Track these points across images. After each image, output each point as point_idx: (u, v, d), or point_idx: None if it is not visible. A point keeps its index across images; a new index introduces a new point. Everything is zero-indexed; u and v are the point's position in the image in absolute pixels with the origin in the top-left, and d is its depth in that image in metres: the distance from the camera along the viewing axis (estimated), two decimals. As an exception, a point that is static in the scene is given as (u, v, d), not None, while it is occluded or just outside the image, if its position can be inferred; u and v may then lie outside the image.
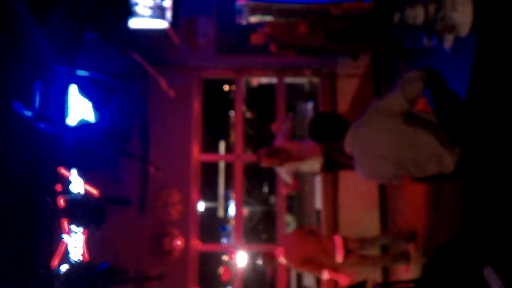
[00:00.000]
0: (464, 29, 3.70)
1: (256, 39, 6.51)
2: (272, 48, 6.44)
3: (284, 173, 6.33)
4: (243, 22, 6.28)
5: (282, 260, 6.02)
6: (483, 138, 3.30)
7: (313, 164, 6.21)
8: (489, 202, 3.87)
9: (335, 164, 6.23)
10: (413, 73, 3.24)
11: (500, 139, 3.31)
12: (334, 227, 7.48)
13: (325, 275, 5.99)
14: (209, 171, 15.11)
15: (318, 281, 9.00)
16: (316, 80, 8.39)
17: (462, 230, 4.17)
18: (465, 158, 3.29)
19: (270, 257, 6.16)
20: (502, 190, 3.73)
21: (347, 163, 6.25)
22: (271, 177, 12.54)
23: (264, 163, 6.18)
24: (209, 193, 15.91)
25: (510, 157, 3.33)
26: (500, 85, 3.38)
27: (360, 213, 7.41)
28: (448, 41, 3.76)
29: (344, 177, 7.33)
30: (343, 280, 6.17)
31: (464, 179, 4.14)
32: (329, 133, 3.47)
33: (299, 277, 12.77)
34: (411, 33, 4.35)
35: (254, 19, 5.85)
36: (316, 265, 5.98)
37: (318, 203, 9.13)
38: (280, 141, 6.31)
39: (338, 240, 6.09)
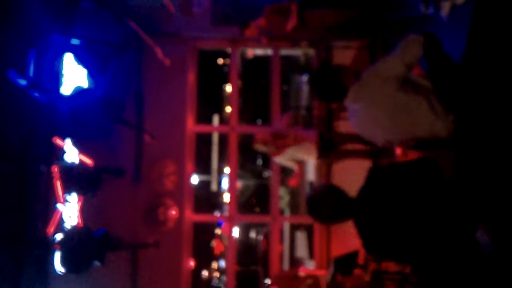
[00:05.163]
0: (461, -4, 3.71)
1: (250, 32, 6.49)
2: (264, 41, 6.44)
3: (284, 161, 6.43)
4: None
5: None
6: (477, 105, 3.32)
7: (310, 149, 6.26)
8: (482, 172, 3.90)
9: (331, 145, 6.30)
10: (412, 37, 3.25)
11: (494, 107, 3.33)
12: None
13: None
14: (203, 144, 15.14)
15: (311, 252, 9.09)
16: (311, 52, 8.37)
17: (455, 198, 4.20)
18: (459, 126, 3.31)
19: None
20: (496, 160, 3.76)
21: (342, 144, 6.37)
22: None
23: (259, 145, 6.28)
24: (203, 166, 15.94)
25: (505, 126, 3.35)
26: (496, 52, 3.39)
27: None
28: (445, 9, 3.77)
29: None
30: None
31: (458, 148, 4.16)
32: (333, 91, 3.50)
33: (292, 249, 12.91)
34: (408, 0, 4.35)
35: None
36: None
37: (311, 175, 9.17)
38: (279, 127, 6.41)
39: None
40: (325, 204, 3.12)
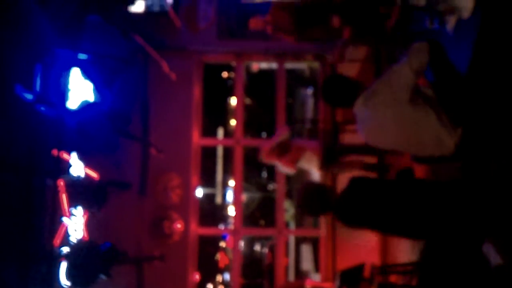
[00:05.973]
0: (467, 11, 3.72)
1: (255, 24, 6.50)
2: (269, 31, 6.43)
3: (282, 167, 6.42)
4: (247, 0, 6.26)
5: None
6: (484, 118, 3.33)
7: (311, 158, 6.23)
8: (489, 186, 3.89)
9: (333, 157, 6.28)
10: (417, 45, 3.28)
11: (501, 121, 3.33)
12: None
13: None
14: (207, 157, 15.15)
15: (316, 265, 9.07)
16: (316, 65, 8.39)
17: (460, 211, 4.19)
18: (466, 139, 3.31)
19: None
20: (502, 174, 3.75)
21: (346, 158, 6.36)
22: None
23: (267, 158, 6.27)
24: (207, 179, 15.93)
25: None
26: (501, 66, 3.41)
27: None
28: (451, 23, 3.79)
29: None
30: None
31: (464, 162, 4.16)
32: (342, 97, 3.54)
33: (297, 262, 12.86)
34: (414, 15, 4.37)
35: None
36: None
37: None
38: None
39: None
40: (313, 202, 3.51)
